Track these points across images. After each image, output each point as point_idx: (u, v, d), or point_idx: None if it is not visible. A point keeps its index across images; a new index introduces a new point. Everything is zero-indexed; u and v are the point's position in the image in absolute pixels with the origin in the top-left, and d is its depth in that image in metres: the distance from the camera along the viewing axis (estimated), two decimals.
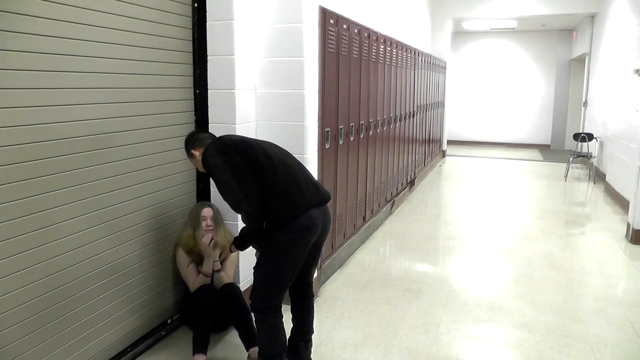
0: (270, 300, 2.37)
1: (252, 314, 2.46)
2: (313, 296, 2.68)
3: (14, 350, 2.10)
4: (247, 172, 2.28)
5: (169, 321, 3.07)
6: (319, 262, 2.68)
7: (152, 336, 2.93)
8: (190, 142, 2.54)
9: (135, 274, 2.77)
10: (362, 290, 3.75)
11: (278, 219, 2.32)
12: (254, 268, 2.43)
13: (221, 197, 2.36)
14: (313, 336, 2.68)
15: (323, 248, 2.63)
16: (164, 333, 3.01)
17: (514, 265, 4.36)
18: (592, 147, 8.77)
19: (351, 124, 4.20)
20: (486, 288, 3.85)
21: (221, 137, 2.47)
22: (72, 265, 2.35)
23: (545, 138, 12.56)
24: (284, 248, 2.33)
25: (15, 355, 2.11)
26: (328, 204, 2.49)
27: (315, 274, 2.97)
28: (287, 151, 2.53)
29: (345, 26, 3.89)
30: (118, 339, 2.68)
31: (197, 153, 2.48)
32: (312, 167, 3.34)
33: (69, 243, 2.33)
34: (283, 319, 2.43)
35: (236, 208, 2.32)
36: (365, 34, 4.42)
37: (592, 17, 9.64)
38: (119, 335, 2.69)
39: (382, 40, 4.95)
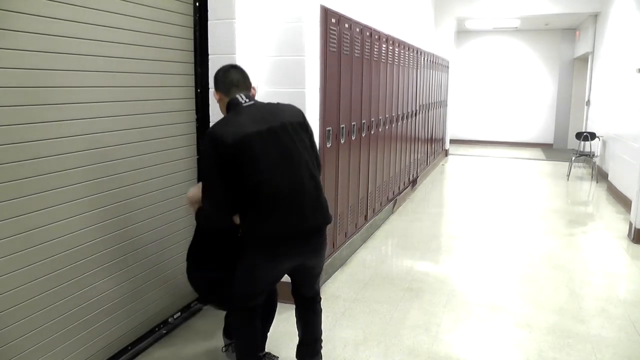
0: (242, 299, 2.27)
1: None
2: (315, 308, 2.46)
3: (15, 349, 2.11)
4: (235, 179, 2.04)
5: (170, 320, 3.08)
6: (318, 279, 2.46)
7: (153, 334, 2.94)
8: (216, 79, 2.26)
9: (136, 272, 2.78)
10: (363, 289, 3.75)
11: (246, 233, 2.13)
12: None
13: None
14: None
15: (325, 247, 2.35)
16: (165, 331, 3.01)
17: (516, 264, 4.36)
18: (594, 146, 8.75)
19: (353, 123, 4.20)
20: (487, 287, 3.84)
21: (225, 127, 2.08)
22: (73, 264, 2.36)
23: (547, 137, 12.53)
24: (248, 266, 2.19)
25: (17, 354, 2.11)
26: (327, 206, 2.24)
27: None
28: (298, 154, 2.15)
29: (347, 25, 3.89)
30: (119, 337, 2.69)
31: (217, 96, 2.25)
32: None
33: (69, 241, 2.33)
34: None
35: (205, 214, 2.17)
36: (367, 33, 4.41)
37: (595, 16, 9.62)
38: (120, 334, 2.70)
39: (384, 39, 4.95)
